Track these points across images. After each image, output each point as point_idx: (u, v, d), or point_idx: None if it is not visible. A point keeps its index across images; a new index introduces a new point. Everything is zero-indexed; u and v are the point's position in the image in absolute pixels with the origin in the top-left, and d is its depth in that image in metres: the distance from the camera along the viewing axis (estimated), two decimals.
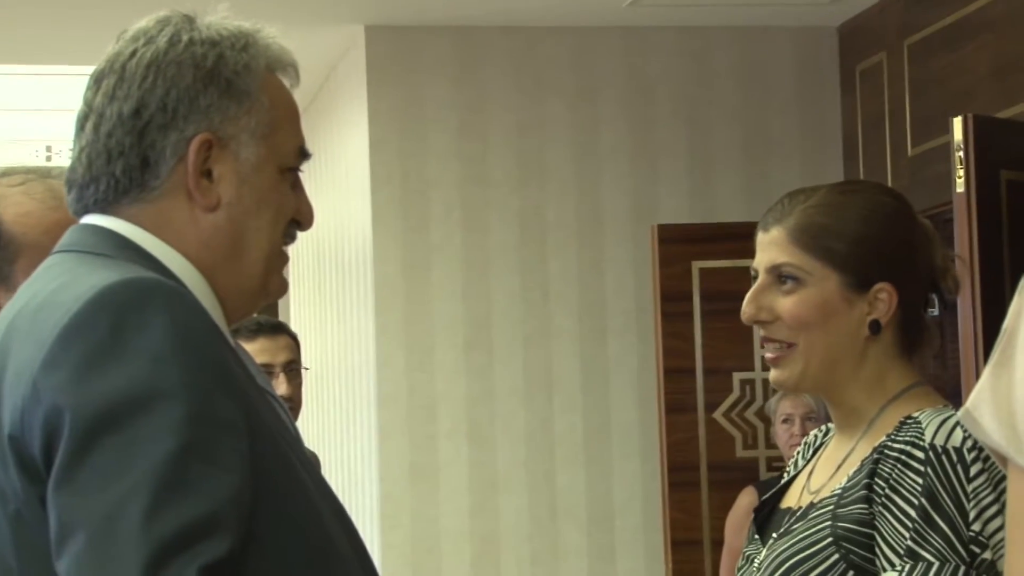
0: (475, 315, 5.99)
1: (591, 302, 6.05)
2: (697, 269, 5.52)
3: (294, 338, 4.07)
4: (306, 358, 7.34)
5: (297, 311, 7.92)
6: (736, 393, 5.55)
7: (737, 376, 5.55)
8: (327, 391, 7.09)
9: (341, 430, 6.72)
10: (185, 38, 1.59)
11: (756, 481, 5.34)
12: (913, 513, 1.87)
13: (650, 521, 5.89)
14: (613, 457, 6.01)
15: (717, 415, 5.54)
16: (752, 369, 5.54)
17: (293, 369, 3.92)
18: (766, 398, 5.45)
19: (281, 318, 7.76)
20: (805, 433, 4.92)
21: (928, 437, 1.90)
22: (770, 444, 5.44)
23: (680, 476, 5.50)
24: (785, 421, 5.02)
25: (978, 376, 3.83)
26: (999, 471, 1.87)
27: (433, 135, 6.02)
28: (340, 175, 6.55)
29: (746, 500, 5.14)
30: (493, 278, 6.02)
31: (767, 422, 5.40)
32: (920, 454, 1.89)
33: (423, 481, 5.92)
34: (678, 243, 5.53)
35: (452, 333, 5.98)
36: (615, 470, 6.01)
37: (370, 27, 5.99)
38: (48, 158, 7.93)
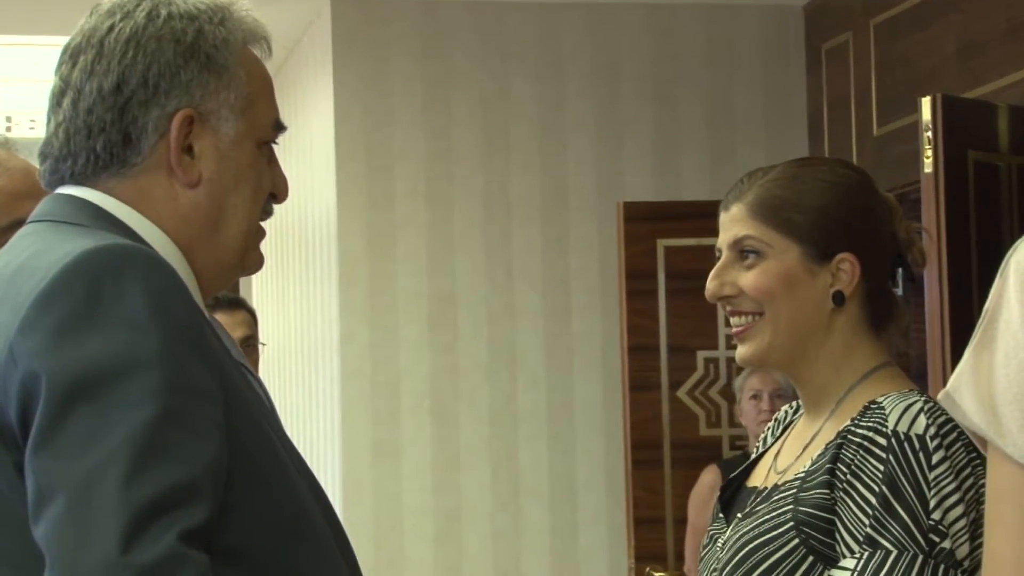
0: (439, 291, 5.98)
1: (555, 279, 6.04)
2: (662, 247, 5.52)
3: (252, 313, 4.06)
4: (268, 333, 7.32)
5: (259, 286, 7.88)
6: (700, 371, 5.56)
7: (701, 354, 5.55)
8: (289, 367, 7.07)
9: (303, 406, 6.70)
10: (164, 12, 1.59)
11: (719, 460, 5.35)
12: (873, 500, 1.86)
13: (613, 499, 5.90)
14: (576, 435, 6.02)
15: (681, 393, 5.55)
16: (716, 348, 5.54)
17: (250, 344, 3.92)
18: (730, 377, 5.46)
19: (243, 292, 7.73)
20: (774, 410, 4.94)
21: (891, 423, 1.89)
22: (733, 423, 5.45)
23: (643, 454, 5.50)
24: (754, 397, 5.02)
25: (944, 358, 3.85)
26: (961, 459, 1.86)
27: (398, 109, 5.99)
28: (304, 149, 6.51)
29: (709, 478, 5.15)
30: (457, 254, 6.00)
31: (731, 400, 5.40)
32: (883, 440, 1.88)
33: (386, 458, 5.90)
34: (643, 221, 5.53)
35: (416, 309, 5.96)
36: (578, 448, 6.01)
37: (336, 0, 5.95)
38: (8, 128, 7.85)
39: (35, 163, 2.28)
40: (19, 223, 2.17)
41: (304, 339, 6.71)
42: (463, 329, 5.99)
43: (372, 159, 5.97)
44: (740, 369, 5.30)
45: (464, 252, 6.00)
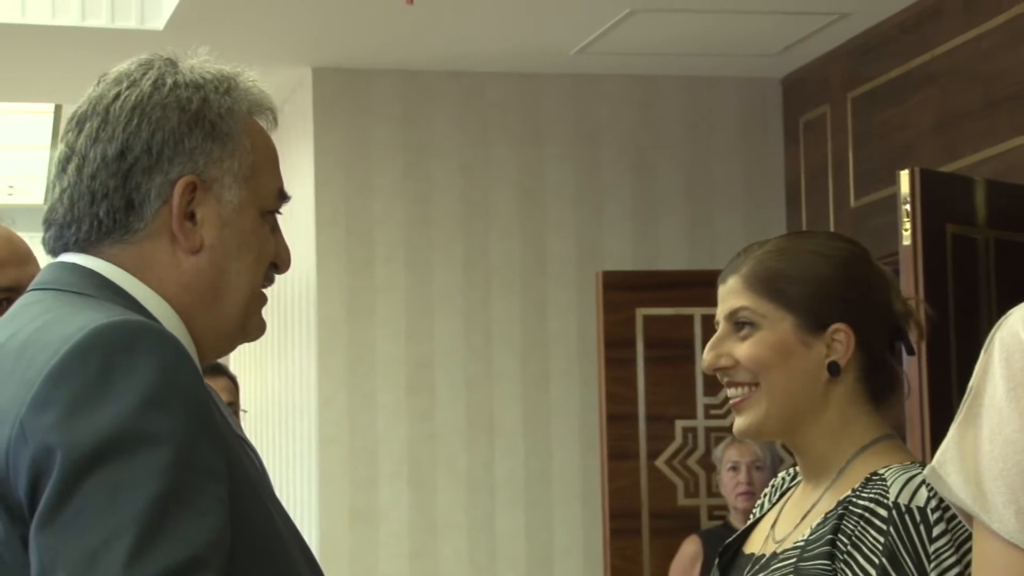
0: (418, 357, 5.98)
1: (534, 346, 6.05)
2: (641, 316, 5.54)
3: (233, 380, 4.05)
4: (246, 398, 7.29)
5: (237, 350, 7.86)
6: (678, 441, 5.56)
7: (680, 424, 5.56)
8: (267, 432, 7.04)
9: (281, 472, 6.67)
10: (169, 81, 1.60)
11: (699, 529, 5.34)
12: (873, 572, 1.86)
13: (590, 568, 5.88)
14: (554, 502, 6.00)
15: (659, 462, 5.55)
16: (695, 417, 5.55)
17: (232, 411, 3.90)
18: (708, 446, 5.46)
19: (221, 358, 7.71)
20: (751, 481, 4.95)
21: (892, 495, 1.90)
22: (712, 492, 5.45)
23: (621, 523, 5.49)
24: (732, 469, 5.03)
25: (923, 429, 3.85)
26: (962, 532, 1.86)
27: (378, 177, 6.02)
28: (284, 215, 6.52)
29: (690, 549, 5.15)
30: (436, 320, 6.01)
31: (709, 470, 5.40)
32: (883, 512, 1.89)
33: (363, 524, 5.88)
34: (622, 290, 5.55)
35: (394, 375, 5.96)
36: (556, 515, 6.00)
37: (317, 69, 5.99)
38: (10, 195, 7.84)
39: (15, 230, 2.28)
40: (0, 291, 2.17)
41: (282, 404, 6.70)
42: (441, 395, 5.99)
43: (352, 224, 5.99)
44: (719, 439, 5.31)
45: (443, 318, 6.01)
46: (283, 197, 1.67)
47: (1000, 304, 3.88)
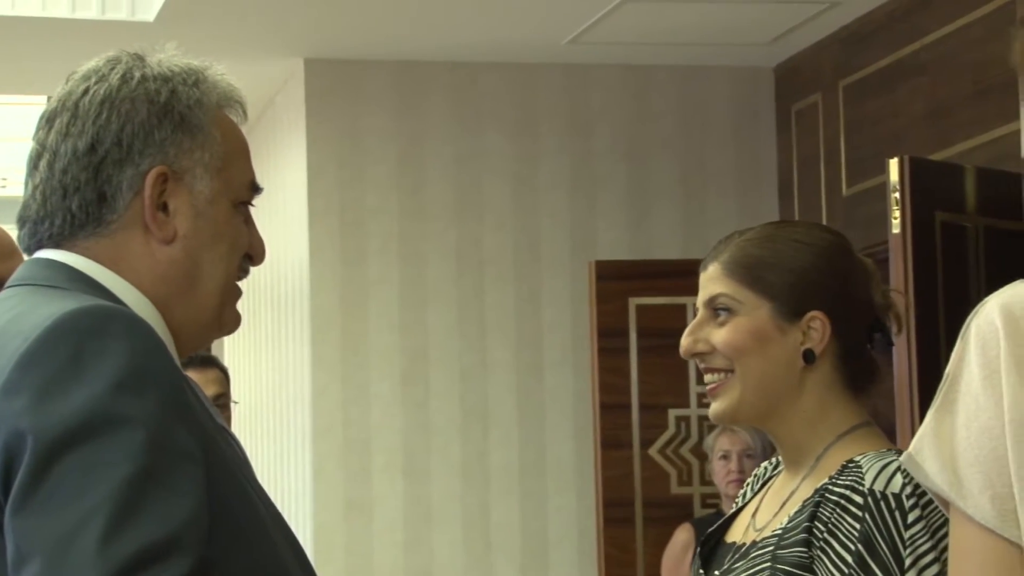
0: (411, 348, 5.99)
1: (528, 336, 6.06)
2: (634, 305, 5.55)
3: (224, 371, 4.05)
4: (240, 390, 7.31)
5: (231, 341, 7.87)
6: (672, 430, 5.57)
7: (673, 412, 5.57)
8: (261, 424, 7.05)
9: (275, 463, 6.69)
10: (137, 75, 1.62)
11: (692, 518, 5.36)
12: (849, 559, 1.87)
13: (585, 556, 5.89)
14: (548, 492, 6.02)
15: (652, 451, 5.56)
16: (688, 406, 5.57)
17: (222, 403, 3.91)
18: (701, 435, 5.47)
19: (215, 349, 7.71)
20: (742, 470, 4.96)
21: (868, 482, 1.91)
22: (705, 481, 5.46)
23: (615, 512, 5.50)
24: (723, 457, 5.05)
25: (912, 417, 3.87)
26: (938, 518, 1.87)
27: (371, 167, 6.03)
28: (278, 206, 6.54)
29: (682, 537, 5.16)
30: (430, 311, 6.02)
31: (702, 459, 5.42)
32: (859, 499, 1.90)
33: (357, 515, 5.89)
34: (615, 280, 5.56)
35: (388, 365, 5.97)
36: (550, 505, 6.01)
37: (309, 60, 5.99)
38: (3, 186, 7.83)
39: (1, 223, 2.30)
40: None
41: (276, 395, 6.71)
42: (435, 385, 6.00)
43: (345, 215, 6.00)
44: (712, 427, 5.32)
45: (437, 308, 6.02)
46: (255, 188, 1.68)
47: (989, 292, 3.89)
